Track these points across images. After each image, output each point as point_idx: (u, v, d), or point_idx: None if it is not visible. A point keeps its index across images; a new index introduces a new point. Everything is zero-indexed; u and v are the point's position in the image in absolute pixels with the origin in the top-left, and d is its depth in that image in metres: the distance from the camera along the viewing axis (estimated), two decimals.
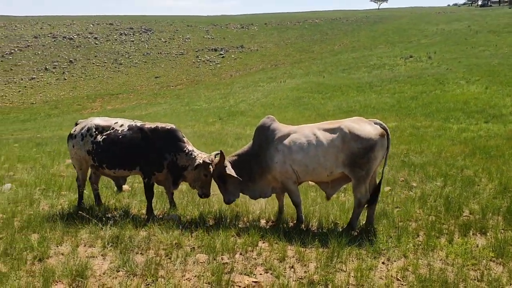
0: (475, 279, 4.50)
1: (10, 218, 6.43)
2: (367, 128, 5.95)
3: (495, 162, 10.40)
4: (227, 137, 18.27)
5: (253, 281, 4.45)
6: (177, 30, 76.08)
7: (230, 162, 6.42)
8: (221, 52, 63.82)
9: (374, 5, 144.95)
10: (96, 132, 6.87)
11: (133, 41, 70.29)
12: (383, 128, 6.03)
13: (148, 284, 4.37)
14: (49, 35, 70.43)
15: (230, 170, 6.24)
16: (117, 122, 7.00)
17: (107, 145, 6.75)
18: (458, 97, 25.15)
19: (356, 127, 5.93)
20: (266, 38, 71.51)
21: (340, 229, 6.10)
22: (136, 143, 6.68)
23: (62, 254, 5.12)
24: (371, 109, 25.86)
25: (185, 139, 6.84)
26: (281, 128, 6.38)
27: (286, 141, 6.17)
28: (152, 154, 6.67)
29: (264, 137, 6.34)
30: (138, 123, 6.93)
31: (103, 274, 4.60)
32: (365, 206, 6.05)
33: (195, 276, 4.57)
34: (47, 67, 59.18)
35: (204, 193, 6.65)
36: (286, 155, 6.10)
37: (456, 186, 8.23)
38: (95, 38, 69.94)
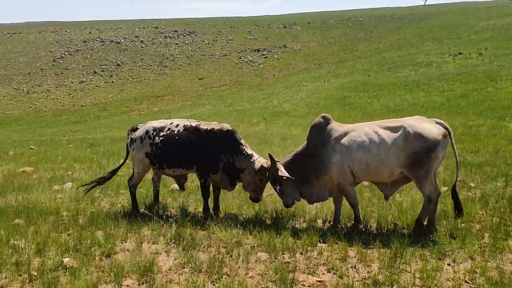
0: None
1: (75, 215, 6.68)
2: (430, 127, 5.81)
3: None
4: (273, 137, 18.28)
5: (317, 280, 4.43)
6: (220, 31, 76.87)
7: (283, 164, 6.35)
8: (264, 53, 63.98)
9: (420, 1, 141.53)
10: (154, 134, 7.04)
11: (177, 43, 71.57)
12: (445, 127, 5.92)
13: (213, 281, 4.43)
14: (97, 39, 72.77)
15: (282, 172, 6.17)
16: (172, 123, 7.13)
17: (164, 146, 6.88)
18: None
19: (419, 126, 5.80)
20: (309, 38, 71.08)
21: (400, 229, 5.98)
22: (192, 143, 6.78)
23: (128, 250, 5.28)
24: (419, 108, 25.25)
25: (242, 141, 6.84)
26: (337, 127, 6.23)
27: (344, 141, 6.01)
28: (206, 156, 6.73)
29: (320, 137, 6.19)
30: (194, 123, 7.01)
31: (169, 270, 4.71)
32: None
33: (259, 274, 4.59)
34: (95, 70, 61.19)
35: (256, 197, 6.67)
36: (345, 155, 5.95)
37: None
38: (141, 41, 71.70)
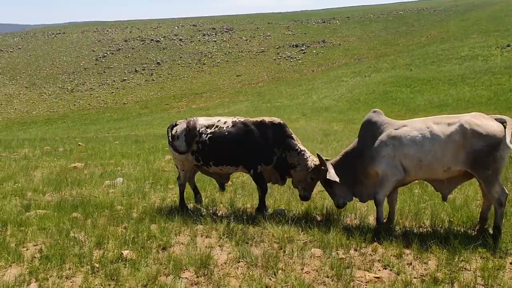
0: None
1: (128, 209, 6.85)
2: (490, 124, 5.48)
3: None
4: (315, 134, 18.13)
5: (374, 277, 4.38)
6: (257, 28, 77.03)
7: (333, 164, 6.21)
8: (302, 48, 63.68)
9: None
10: (201, 132, 6.91)
11: (215, 41, 72.21)
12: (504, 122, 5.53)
13: (270, 275, 4.45)
14: (138, 38, 74.36)
15: (331, 175, 6.03)
16: (219, 120, 7.03)
17: (213, 143, 6.78)
18: None
19: (478, 123, 5.48)
20: (349, 32, 70.26)
21: (455, 227, 5.84)
22: (242, 138, 6.67)
23: (183, 244, 5.37)
24: (465, 103, 24.59)
25: (294, 136, 6.73)
26: (389, 121, 6.03)
27: (396, 135, 5.80)
28: (260, 146, 6.62)
29: (371, 132, 6.01)
30: (242, 119, 6.92)
31: (225, 264, 4.76)
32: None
33: (314, 270, 4.58)
34: (136, 69, 62.54)
35: (305, 196, 6.58)
36: (397, 149, 5.74)
37: None
38: (180, 39, 72.74)
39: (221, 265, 4.72)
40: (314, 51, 62.69)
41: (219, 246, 5.30)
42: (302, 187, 6.60)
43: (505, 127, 5.44)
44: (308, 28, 74.92)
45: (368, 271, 4.53)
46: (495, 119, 5.61)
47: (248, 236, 5.49)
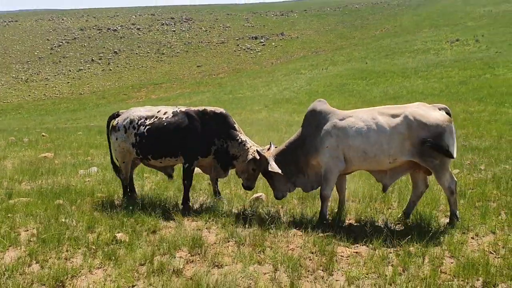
0: None
1: (110, 196, 7.03)
2: (433, 114, 5.57)
3: None
4: (278, 124, 18.52)
5: (354, 251, 4.83)
6: (217, 19, 76.85)
7: (276, 155, 6.10)
8: (262, 40, 64.14)
9: None
10: (139, 124, 6.64)
11: (174, 30, 71.52)
12: (448, 113, 5.74)
13: (258, 252, 4.80)
14: (94, 27, 72.64)
15: (272, 167, 5.92)
16: (159, 110, 6.79)
17: (151, 135, 6.53)
18: (511, 81, 24.56)
19: (422, 113, 5.56)
20: (306, 25, 71.26)
21: (420, 208, 6.35)
22: (182, 129, 6.44)
23: (171, 227, 5.64)
24: (419, 95, 25.57)
25: (236, 126, 6.62)
26: (334, 111, 5.96)
27: (341, 125, 5.74)
28: (197, 137, 6.43)
29: (315, 121, 5.93)
30: (183, 108, 6.74)
31: (215, 243, 5.08)
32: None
33: (298, 247, 4.98)
34: (93, 58, 61.17)
35: (248, 186, 6.49)
36: (341, 140, 5.69)
37: None
38: (138, 29, 71.58)
39: (212, 244, 5.04)
40: (273, 44, 63.28)
41: (206, 228, 5.62)
42: (245, 177, 6.52)
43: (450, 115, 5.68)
44: (267, 21, 75.42)
45: (347, 247, 4.95)
46: (438, 108, 5.75)
47: (233, 219, 5.81)
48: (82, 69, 58.30)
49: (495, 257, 4.69)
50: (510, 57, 30.67)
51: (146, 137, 6.55)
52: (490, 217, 5.76)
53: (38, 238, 5.07)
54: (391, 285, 4.06)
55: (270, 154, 6.14)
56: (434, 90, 26.30)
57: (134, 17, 78.56)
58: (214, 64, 57.98)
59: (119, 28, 71.75)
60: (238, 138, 6.52)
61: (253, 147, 6.45)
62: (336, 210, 6.16)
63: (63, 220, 5.68)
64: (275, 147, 6.40)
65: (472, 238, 5.25)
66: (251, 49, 61.65)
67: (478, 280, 4.15)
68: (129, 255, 4.66)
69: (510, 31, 42.44)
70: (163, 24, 73.78)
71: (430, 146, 5.42)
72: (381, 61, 40.82)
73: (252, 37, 65.98)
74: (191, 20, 75.90)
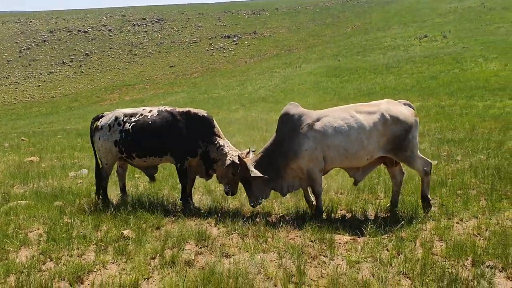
0: None
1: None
2: (403, 110, 5.96)
3: None
4: (257, 123, 18.76)
5: (350, 238, 5.17)
6: (188, 18, 76.51)
7: (255, 161, 6.14)
8: (234, 39, 64.25)
9: None
10: (124, 121, 6.70)
11: (146, 31, 70.93)
12: (412, 107, 6.14)
13: (261, 243, 5.08)
14: (64, 29, 71.33)
15: (254, 172, 5.96)
16: (145, 109, 6.86)
17: (136, 132, 6.57)
18: (478, 75, 25.44)
19: (395, 109, 5.91)
20: (278, 23, 71.71)
21: (404, 197, 6.72)
22: (168, 128, 6.52)
23: (173, 223, 5.86)
24: (391, 90, 26.19)
25: (216, 130, 6.65)
26: (308, 113, 6.06)
27: (317, 127, 5.86)
28: (185, 137, 6.49)
29: (290, 125, 6.01)
30: (168, 108, 6.79)
31: (219, 236, 5.35)
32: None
33: (298, 236, 5.29)
34: (64, 61, 60.16)
35: (227, 191, 6.45)
36: (319, 141, 5.81)
37: (500, 158, 8.78)
38: (109, 30, 70.68)
39: (216, 237, 5.30)
40: (246, 42, 63.47)
41: (207, 223, 5.85)
42: (225, 182, 6.51)
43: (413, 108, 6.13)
44: (239, 19, 75.52)
45: (343, 235, 5.29)
46: (403, 103, 6.18)
47: (231, 213, 6.07)
48: (53, 72, 57.30)
49: (480, 239, 5.10)
50: (476, 52, 31.71)
51: (131, 134, 6.59)
52: (471, 203, 6.19)
53: (48, 238, 5.22)
54: (388, 267, 4.39)
55: (249, 161, 6.15)
56: (406, 86, 26.96)
57: (104, 18, 77.49)
58: (187, 64, 57.83)
59: (89, 29, 70.73)
60: (216, 142, 6.56)
61: (231, 152, 6.46)
62: (327, 203, 6.48)
63: (68, 220, 5.84)
64: (253, 153, 6.49)
65: (457, 223, 5.65)
66: (224, 48, 61.73)
67: (467, 259, 4.54)
68: (139, 250, 4.88)
69: (475, 26, 43.82)
70: (134, 25, 73.07)
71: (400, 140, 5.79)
72: (353, 58, 41.50)
73: (225, 36, 66.05)
74: (162, 20, 75.38)
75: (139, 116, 6.69)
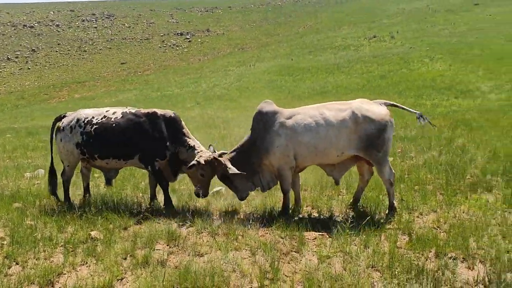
0: (496, 225, 5.49)
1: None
2: (377, 109, 5.93)
3: (477, 133, 11.50)
4: (214, 121, 18.77)
5: (319, 234, 5.30)
6: (140, 14, 75.21)
7: (230, 159, 6.18)
8: (187, 36, 63.74)
9: None
10: (86, 123, 6.54)
11: (96, 27, 69.10)
12: (391, 104, 6.20)
13: (233, 240, 5.13)
14: (9, 23, 68.33)
15: (233, 170, 5.99)
16: (108, 110, 6.69)
17: (99, 134, 6.42)
18: (425, 75, 26.46)
19: (368, 108, 5.89)
20: (231, 22, 71.74)
21: (368, 193, 6.95)
22: (132, 130, 6.38)
23: (140, 223, 5.80)
24: (343, 89, 26.82)
25: (185, 131, 6.56)
26: (281, 111, 6.13)
27: (288, 124, 5.95)
28: (151, 140, 6.36)
29: (263, 123, 6.07)
30: (133, 110, 6.65)
31: (189, 235, 5.34)
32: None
33: (268, 233, 5.37)
34: (9, 56, 57.65)
35: (198, 193, 6.33)
36: (290, 138, 5.90)
37: (452, 154, 9.22)
38: (57, 25, 68.31)
39: (186, 236, 5.29)
40: (199, 40, 63.11)
41: (175, 222, 5.82)
42: (195, 184, 6.43)
43: (397, 106, 6.18)
44: (191, 17, 74.96)
45: (312, 231, 5.42)
46: (380, 103, 6.13)
47: (199, 212, 6.08)
48: None
49: (440, 231, 5.37)
50: (422, 52, 32.93)
51: (93, 136, 6.43)
52: (429, 198, 6.49)
53: (12, 241, 5.04)
54: (358, 261, 4.55)
55: (226, 159, 6.15)
56: (357, 85, 27.66)
57: (52, 13, 74.81)
58: (139, 61, 56.82)
59: (36, 24, 68.06)
60: (186, 144, 6.46)
61: (201, 153, 6.35)
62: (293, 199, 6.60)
63: (30, 222, 5.66)
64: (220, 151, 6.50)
65: (418, 217, 5.92)
66: (177, 46, 61.08)
67: (430, 251, 4.77)
68: (109, 251, 4.81)
69: (421, 28, 45.57)
70: (83, 21, 70.99)
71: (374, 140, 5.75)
72: (306, 57, 42.14)
73: (178, 33, 65.37)
74: (113, 16, 73.66)
75: (102, 118, 6.53)
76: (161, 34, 65.75)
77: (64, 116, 6.87)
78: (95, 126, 6.46)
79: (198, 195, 6.36)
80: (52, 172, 6.93)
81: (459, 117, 14.63)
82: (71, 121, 6.64)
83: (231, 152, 6.31)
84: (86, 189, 7.08)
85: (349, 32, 51.24)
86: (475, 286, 4.08)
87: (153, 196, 6.80)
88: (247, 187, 6.26)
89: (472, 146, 9.90)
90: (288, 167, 6.00)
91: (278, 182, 6.26)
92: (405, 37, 41.77)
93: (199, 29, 67.35)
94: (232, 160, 6.15)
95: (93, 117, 6.57)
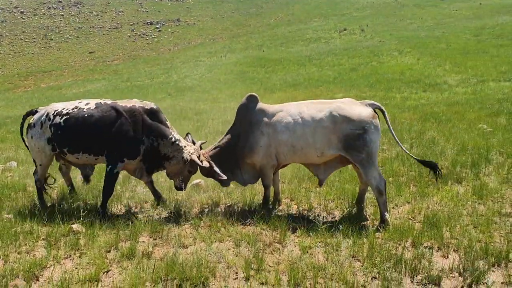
0: (467, 215, 5.74)
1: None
2: (359, 109, 5.71)
3: (446, 126, 11.87)
4: (187, 113, 18.66)
5: (301, 225, 5.42)
6: (108, 3, 73.41)
7: (212, 155, 6.10)
8: (157, 26, 62.71)
9: None
10: (55, 115, 6.13)
11: (62, 15, 67.16)
12: (378, 108, 5.90)
13: (215, 232, 5.21)
14: None
15: (221, 175, 5.95)
16: (81, 101, 6.30)
17: (69, 126, 5.99)
18: (394, 68, 26.96)
19: (347, 108, 5.72)
20: (202, 12, 70.98)
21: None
22: (105, 124, 5.93)
23: (119, 216, 5.80)
24: (315, 82, 27.03)
25: (168, 123, 6.20)
26: (265, 108, 6.04)
27: (271, 122, 5.89)
28: (124, 137, 5.89)
29: (247, 119, 6.00)
30: (108, 101, 6.26)
31: (173, 227, 5.38)
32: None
33: (249, 225, 5.47)
34: None
35: (181, 187, 6.20)
36: (272, 137, 5.87)
37: (423, 147, 9.51)
38: (22, 12, 66.05)
39: (169, 229, 5.33)
40: (170, 30, 62.24)
41: (157, 215, 5.85)
42: (178, 179, 6.20)
43: (383, 112, 5.90)
44: (161, 6, 73.73)
45: (293, 223, 5.54)
46: (366, 104, 5.86)
47: (180, 204, 6.11)
48: None
49: (415, 222, 5.58)
50: (391, 46, 33.50)
51: (62, 127, 5.98)
52: (403, 189, 6.71)
53: None
54: (338, 251, 4.70)
55: (206, 154, 6.07)
56: (328, 77, 27.92)
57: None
58: (107, 50, 55.67)
59: None
60: (171, 136, 6.07)
61: (188, 148, 6.11)
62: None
63: (7, 215, 5.58)
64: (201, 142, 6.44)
65: (393, 208, 6.12)
66: (146, 35, 60.10)
67: (407, 241, 4.97)
68: (92, 244, 4.81)
69: (391, 21, 46.31)
70: (49, 8, 68.89)
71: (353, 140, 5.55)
72: (277, 49, 42.23)
73: (147, 22, 64.27)
74: (80, 4, 71.76)
75: (73, 109, 6.06)
76: (130, 23, 64.55)
77: (36, 112, 6.41)
78: (65, 117, 6.02)
79: (179, 189, 6.20)
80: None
81: (428, 110, 15.01)
82: (42, 116, 6.22)
83: (212, 150, 6.16)
84: (71, 187, 6.78)
85: (319, 24, 51.57)
86: (450, 273, 4.28)
87: (157, 195, 6.49)
88: (229, 179, 6.18)
89: (441, 139, 10.21)
90: (270, 166, 5.98)
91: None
92: (375, 31, 42.35)
93: (170, 18, 66.40)
94: (213, 158, 6.06)
95: (63, 108, 6.13)
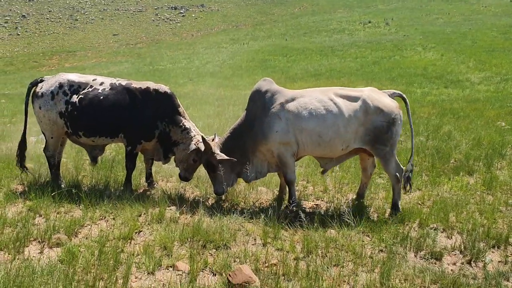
0: (474, 203, 6.04)
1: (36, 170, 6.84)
2: (388, 101, 5.46)
3: (463, 122, 12.06)
4: (208, 98, 19.04)
5: (314, 204, 5.81)
6: None
7: (222, 143, 5.74)
8: (181, 11, 63.17)
9: None
10: (72, 92, 5.80)
11: None
12: (399, 96, 5.76)
13: (236, 205, 5.61)
14: None
15: (220, 156, 5.55)
16: (95, 79, 5.99)
17: (85, 108, 5.73)
18: (417, 63, 26.97)
19: (378, 99, 5.40)
20: None
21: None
22: (122, 105, 5.79)
23: (148, 190, 6.22)
24: (337, 73, 27.22)
25: (181, 110, 6.05)
26: (282, 91, 5.59)
27: (291, 107, 5.39)
28: (140, 119, 5.82)
29: (261, 103, 5.55)
30: (123, 82, 6.01)
31: (198, 198, 5.79)
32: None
33: (267, 201, 5.86)
34: None
35: (186, 177, 6.02)
36: (292, 123, 5.35)
37: (438, 140, 9.75)
38: None
39: (194, 199, 5.75)
40: (193, 15, 62.63)
41: (181, 188, 6.27)
42: (183, 167, 6.02)
43: (405, 101, 5.68)
44: None
45: (307, 201, 5.91)
46: (388, 94, 5.65)
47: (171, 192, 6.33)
48: None
49: (424, 207, 5.90)
50: (416, 41, 33.38)
51: (78, 108, 5.72)
52: (415, 178, 7.00)
53: (35, 195, 5.41)
54: (349, 226, 5.05)
55: (215, 144, 5.73)
56: (350, 69, 28.07)
57: None
58: (131, 33, 56.35)
59: None
60: (181, 124, 5.97)
61: (197, 136, 5.96)
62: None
63: (44, 180, 6.05)
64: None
65: (404, 194, 6.43)
66: (170, 20, 60.58)
67: (415, 222, 5.30)
68: (125, 208, 5.25)
69: (416, 16, 45.93)
70: None
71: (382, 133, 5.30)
72: (300, 38, 42.31)
73: (172, 7, 64.73)
74: None
75: (88, 88, 5.81)
76: (155, 7, 65.10)
77: (42, 81, 6.02)
78: (81, 97, 5.76)
79: (184, 179, 6.06)
80: (22, 142, 6.23)
81: (448, 106, 15.18)
82: (52, 86, 5.84)
83: (223, 137, 5.85)
84: (58, 167, 6.28)
85: (344, 15, 51.39)
86: (451, 251, 4.62)
87: (148, 175, 6.41)
88: (228, 180, 5.68)
89: (458, 134, 10.42)
90: (289, 154, 5.46)
91: (270, 171, 5.83)
92: (400, 25, 42.14)
93: (194, 4, 66.73)
94: (224, 145, 5.70)
95: (79, 86, 5.85)
